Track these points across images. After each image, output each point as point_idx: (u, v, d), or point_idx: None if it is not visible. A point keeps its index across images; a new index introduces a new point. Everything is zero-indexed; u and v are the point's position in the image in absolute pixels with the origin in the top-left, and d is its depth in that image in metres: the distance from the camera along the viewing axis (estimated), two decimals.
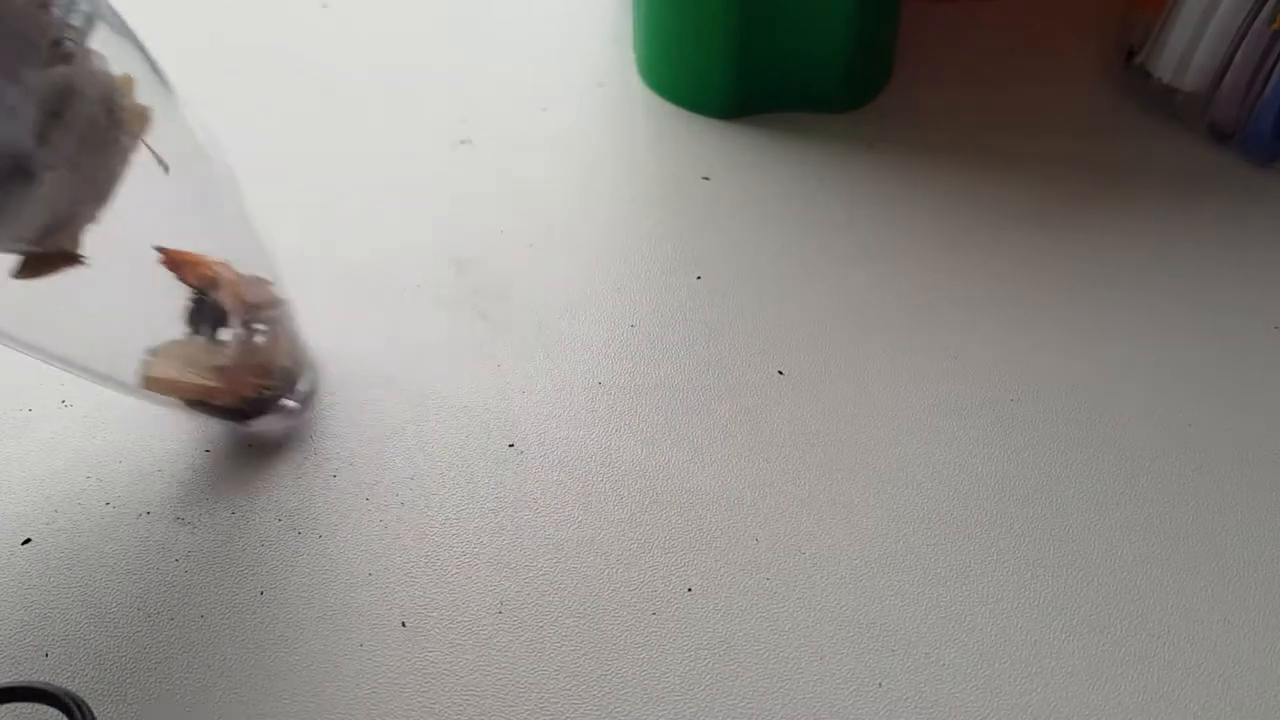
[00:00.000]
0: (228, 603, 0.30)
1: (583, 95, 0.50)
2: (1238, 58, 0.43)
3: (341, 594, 0.30)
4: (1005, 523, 0.32)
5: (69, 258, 0.27)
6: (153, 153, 0.28)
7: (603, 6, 0.56)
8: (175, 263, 0.30)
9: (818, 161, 0.46)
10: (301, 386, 0.35)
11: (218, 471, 0.33)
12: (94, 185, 0.27)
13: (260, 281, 0.32)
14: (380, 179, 0.44)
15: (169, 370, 0.31)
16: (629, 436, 0.35)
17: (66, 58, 0.25)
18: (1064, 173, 0.45)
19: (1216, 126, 0.45)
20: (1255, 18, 0.42)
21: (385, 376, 0.36)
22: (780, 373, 0.37)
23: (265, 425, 0.34)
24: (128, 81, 0.27)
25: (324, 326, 0.38)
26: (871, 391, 0.36)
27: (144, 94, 0.28)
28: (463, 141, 0.46)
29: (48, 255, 0.27)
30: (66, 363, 0.30)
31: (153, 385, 0.31)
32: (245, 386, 0.32)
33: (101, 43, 0.26)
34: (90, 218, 0.27)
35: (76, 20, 0.26)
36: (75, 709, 0.25)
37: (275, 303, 0.33)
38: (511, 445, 0.34)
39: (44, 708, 0.27)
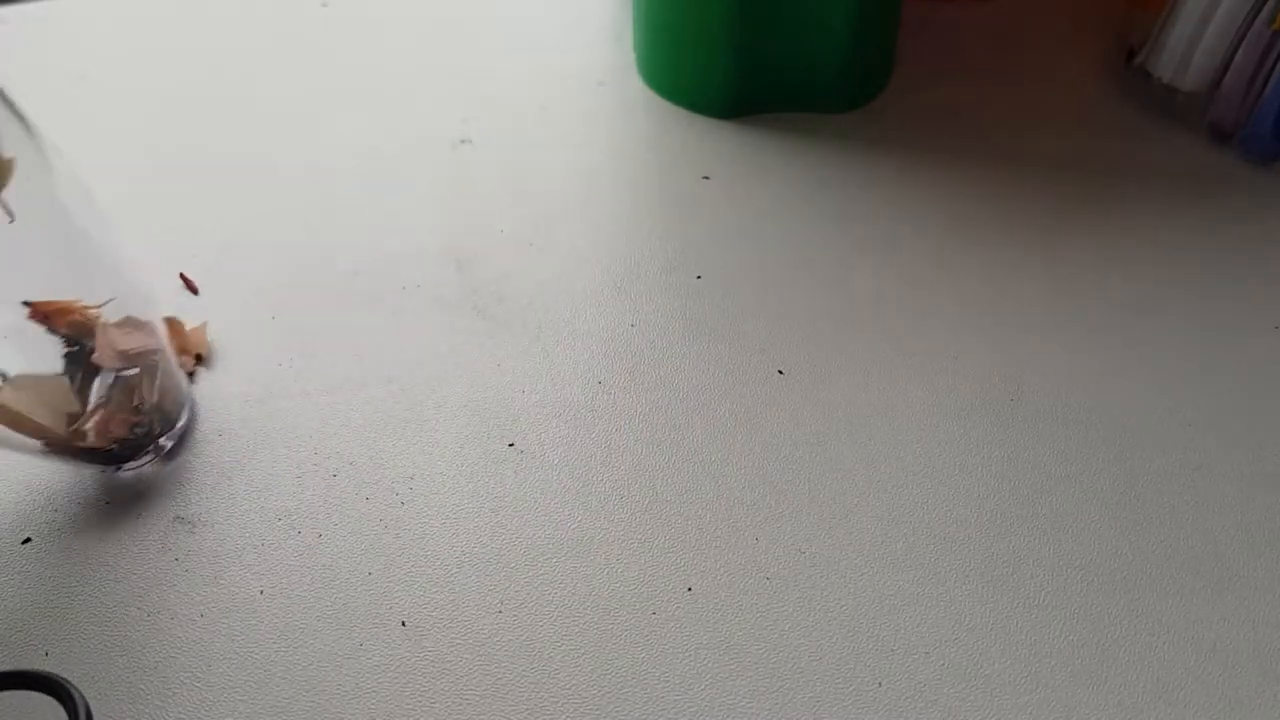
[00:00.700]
0: (227, 602, 0.30)
1: (583, 95, 0.50)
2: (1238, 58, 0.43)
3: (341, 594, 0.30)
4: (1005, 522, 0.32)
5: None
6: (2, 204, 0.27)
7: (603, 6, 0.56)
8: (43, 314, 0.30)
9: (818, 162, 0.46)
10: (177, 425, 0.34)
11: (218, 471, 0.33)
12: None
13: (135, 325, 0.32)
14: (380, 178, 0.44)
15: (18, 403, 0.30)
16: (629, 436, 0.34)
17: None
18: (1064, 172, 0.45)
19: (1216, 126, 0.45)
20: (1255, 18, 0.42)
21: (385, 376, 0.36)
22: (780, 373, 0.37)
23: (138, 467, 0.33)
24: None
25: (324, 326, 0.38)
26: (871, 391, 0.36)
27: (6, 145, 0.27)
28: (463, 141, 0.46)
29: None
30: None
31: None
32: (118, 426, 0.32)
33: None
34: None
35: None
36: (70, 696, 0.25)
37: (150, 350, 0.32)
38: (511, 445, 0.34)
39: (43, 705, 0.27)
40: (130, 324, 0.31)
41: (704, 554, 0.31)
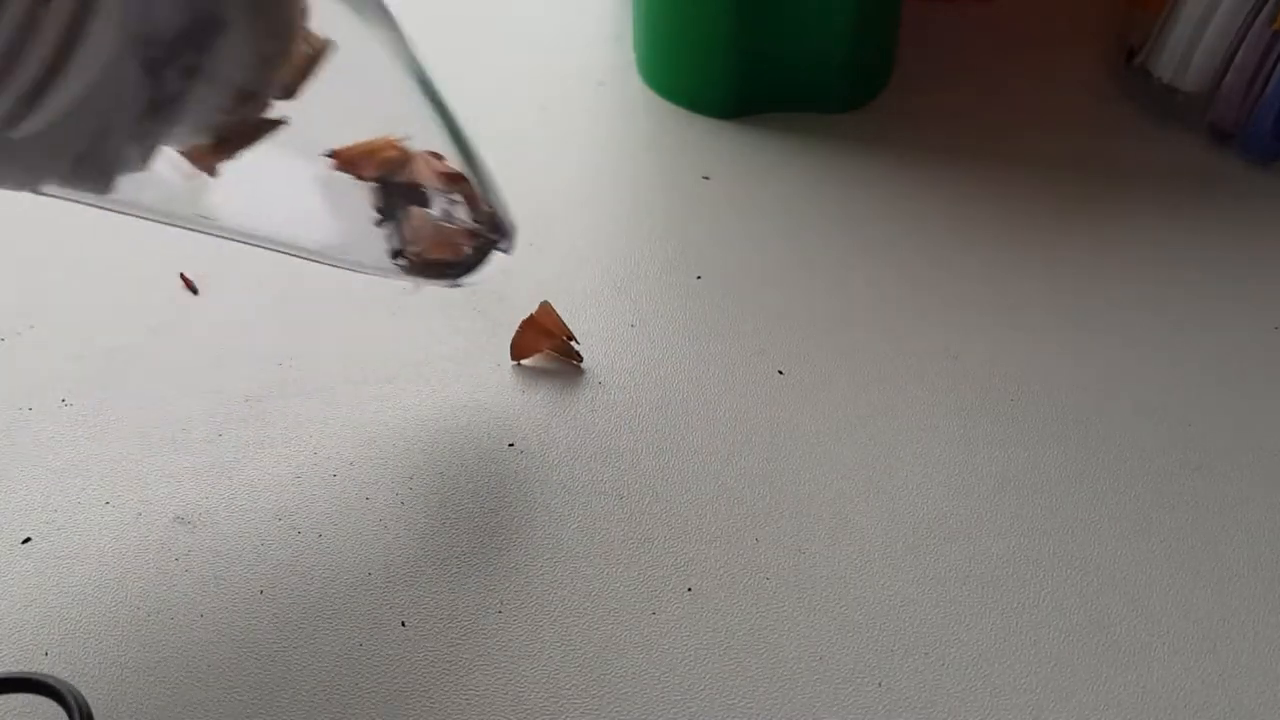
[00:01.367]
0: (227, 602, 0.30)
1: (583, 95, 0.50)
2: (1238, 58, 0.43)
3: (341, 594, 0.30)
4: (1005, 522, 0.32)
5: (268, 123, 0.27)
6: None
7: (603, 6, 0.56)
8: (349, 161, 0.30)
9: (818, 162, 0.46)
10: (507, 231, 0.34)
11: (217, 471, 0.33)
12: (276, 38, 0.25)
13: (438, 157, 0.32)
14: None
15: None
16: (629, 436, 0.34)
17: None
18: (1064, 173, 0.45)
19: (1217, 127, 0.45)
20: (1255, 18, 0.42)
21: (385, 376, 0.36)
22: (780, 373, 0.37)
23: (479, 276, 0.34)
24: None
25: (323, 326, 0.38)
26: (871, 391, 0.36)
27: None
28: None
29: (245, 126, 0.27)
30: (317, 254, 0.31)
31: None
32: (457, 249, 0.32)
33: None
34: (274, 82, 0.26)
35: None
36: (71, 701, 0.25)
37: (458, 171, 0.32)
38: (511, 445, 0.34)
39: (43, 706, 0.27)
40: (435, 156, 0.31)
41: (704, 554, 0.31)
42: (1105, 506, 0.33)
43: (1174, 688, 0.28)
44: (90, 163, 0.24)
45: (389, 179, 0.31)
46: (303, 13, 0.26)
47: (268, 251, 0.31)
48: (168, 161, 0.26)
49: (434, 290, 0.39)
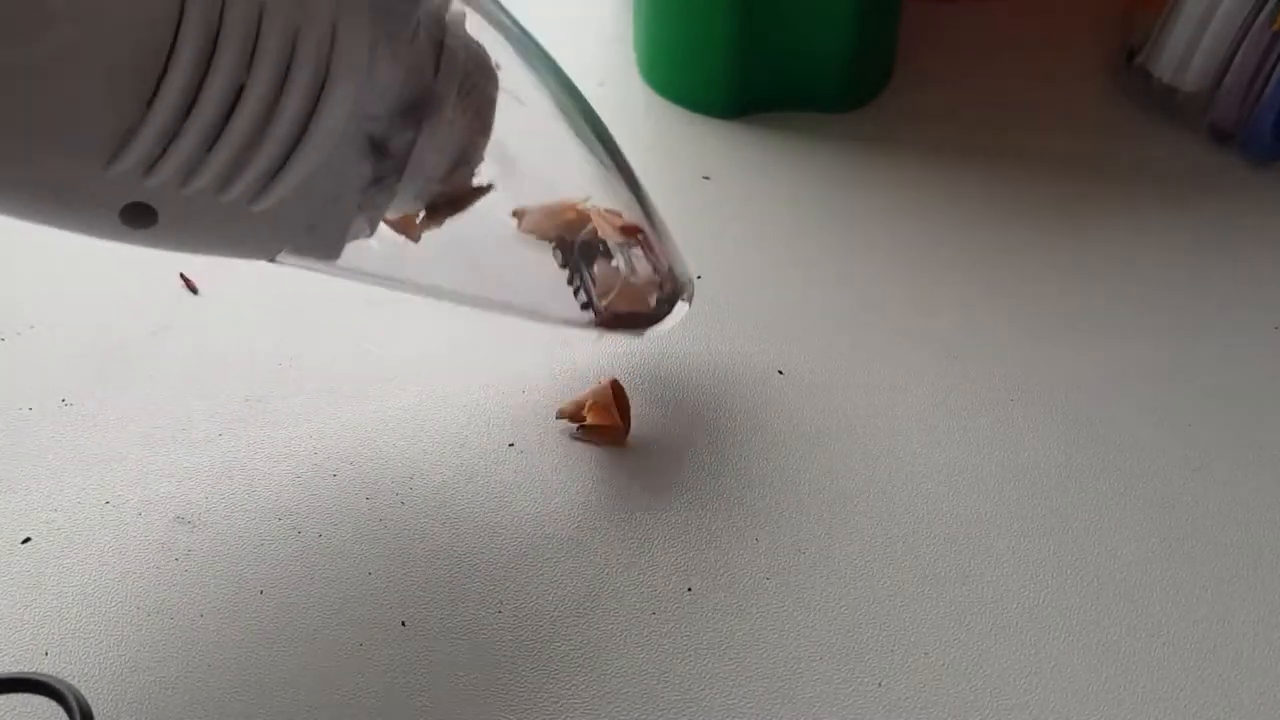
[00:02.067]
0: (227, 602, 0.30)
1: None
2: (1238, 58, 0.43)
3: (341, 594, 0.30)
4: (1005, 522, 0.32)
5: (476, 191, 0.29)
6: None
7: (603, 6, 0.56)
8: (533, 222, 0.32)
9: (818, 161, 0.46)
10: (688, 287, 0.35)
11: (217, 470, 0.33)
12: (479, 116, 0.28)
13: (613, 213, 0.33)
14: None
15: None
16: (628, 435, 0.34)
17: None
18: (1064, 172, 0.45)
19: (1217, 127, 0.45)
20: (1255, 18, 0.42)
21: (385, 376, 0.36)
22: (780, 372, 0.37)
23: (663, 328, 0.35)
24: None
25: (323, 326, 0.38)
26: (871, 391, 0.36)
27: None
28: None
29: (455, 194, 0.29)
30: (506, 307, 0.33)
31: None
32: (644, 292, 0.34)
33: None
34: (481, 153, 0.28)
35: None
36: (72, 701, 0.25)
37: (637, 225, 0.33)
38: (511, 445, 0.34)
39: (43, 706, 0.27)
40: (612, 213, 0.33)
41: (704, 554, 0.31)
42: (1105, 506, 0.33)
43: (1174, 687, 0.28)
44: (321, 232, 0.27)
45: (570, 237, 0.33)
46: (498, 84, 0.28)
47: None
48: (380, 232, 0.28)
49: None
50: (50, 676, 0.26)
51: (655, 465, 0.34)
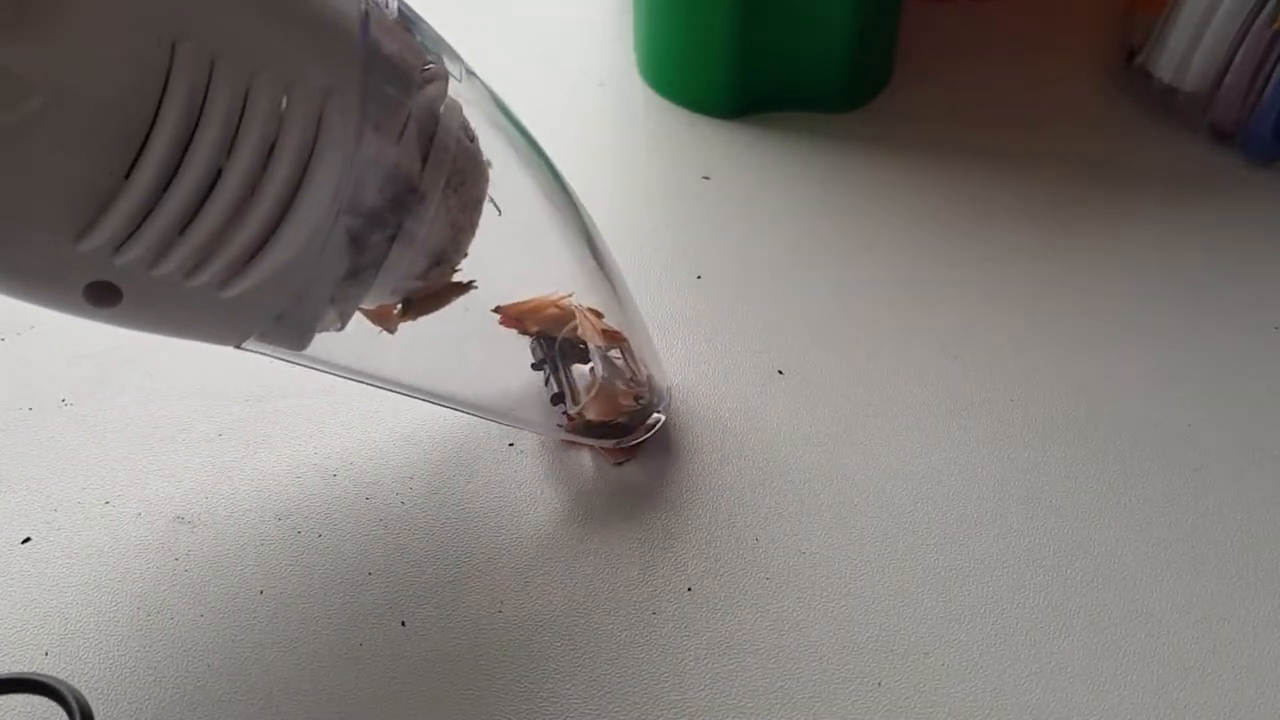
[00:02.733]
0: (227, 602, 0.30)
1: (583, 95, 0.50)
2: (1238, 58, 0.43)
3: (341, 594, 0.30)
4: (1005, 522, 0.32)
5: (456, 288, 0.28)
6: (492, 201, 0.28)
7: (603, 6, 0.56)
8: (515, 317, 0.31)
9: (818, 161, 0.46)
10: (665, 398, 0.34)
11: (217, 470, 0.33)
12: (465, 212, 0.27)
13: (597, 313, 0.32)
14: None
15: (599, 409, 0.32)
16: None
17: (427, 82, 0.25)
18: (1064, 172, 0.45)
19: (1217, 127, 0.45)
20: (1255, 18, 0.42)
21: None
22: (780, 372, 0.37)
23: (633, 439, 0.33)
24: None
25: None
26: (871, 391, 0.36)
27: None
28: None
29: (433, 290, 0.28)
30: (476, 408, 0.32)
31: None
32: (621, 400, 0.32)
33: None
34: (464, 249, 0.28)
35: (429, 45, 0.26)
36: (72, 702, 0.25)
37: (619, 329, 0.33)
38: (511, 444, 0.34)
39: (43, 706, 0.27)
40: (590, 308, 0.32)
41: (704, 554, 0.31)
42: (1105, 506, 0.33)
43: (1174, 687, 0.28)
44: (289, 322, 0.26)
45: (550, 334, 0.32)
46: (488, 182, 0.28)
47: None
48: (351, 321, 0.27)
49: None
50: (50, 677, 0.26)
51: (655, 465, 0.34)
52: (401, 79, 0.24)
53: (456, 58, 0.27)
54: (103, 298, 0.23)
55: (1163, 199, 0.44)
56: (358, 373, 0.30)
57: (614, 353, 0.33)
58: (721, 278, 0.40)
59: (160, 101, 0.21)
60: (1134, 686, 0.28)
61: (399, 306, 0.28)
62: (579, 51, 0.52)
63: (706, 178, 0.45)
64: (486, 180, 0.27)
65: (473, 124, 0.27)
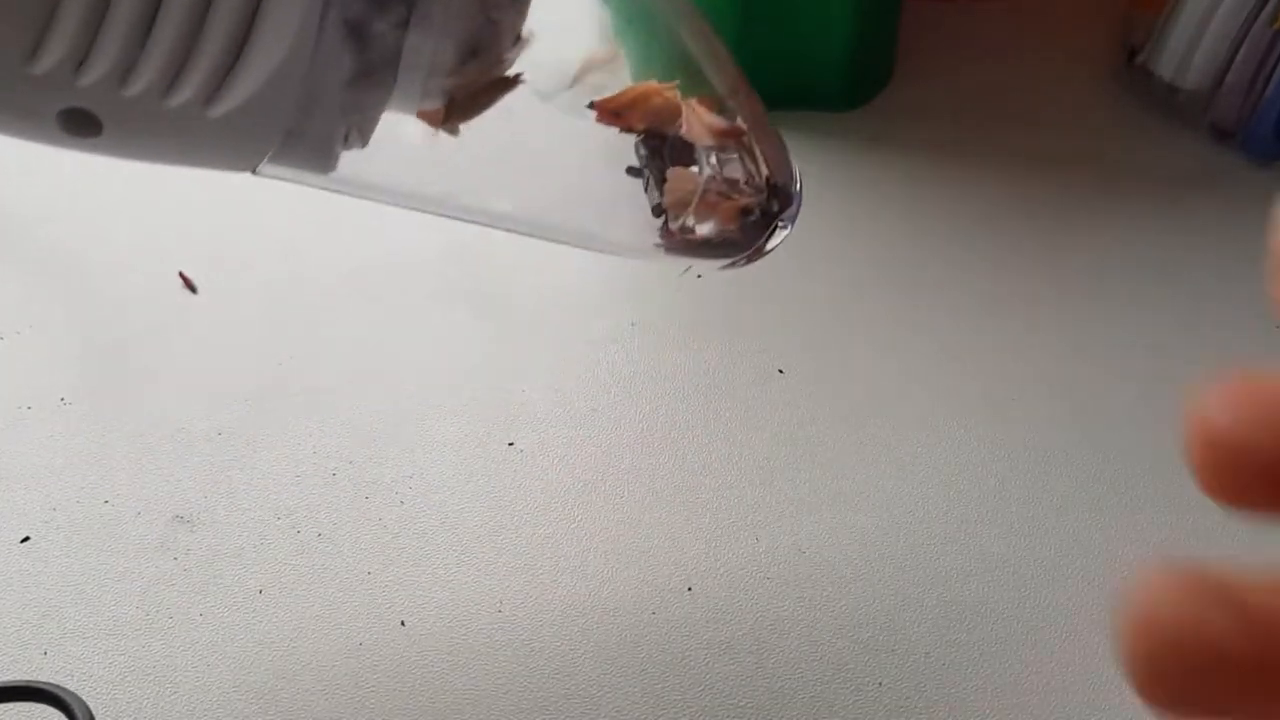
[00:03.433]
0: (227, 601, 0.30)
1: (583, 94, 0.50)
2: (1239, 57, 0.43)
3: (341, 594, 0.30)
4: (1005, 522, 0.32)
5: (501, 83, 0.24)
6: None
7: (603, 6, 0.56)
8: (613, 111, 0.26)
9: (818, 160, 0.46)
10: (795, 198, 0.29)
11: (217, 469, 0.33)
12: None
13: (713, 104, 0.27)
14: None
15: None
16: (629, 435, 0.34)
17: None
18: (1065, 171, 0.45)
19: (1217, 126, 0.45)
20: (1256, 17, 0.42)
21: (385, 375, 0.36)
22: (780, 371, 0.37)
23: (767, 251, 0.29)
24: None
25: (323, 325, 0.38)
26: (871, 390, 0.36)
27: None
28: None
29: (475, 88, 0.24)
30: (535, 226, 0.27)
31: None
32: (727, 212, 0.28)
33: None
34: (507, 34, 0.23)
35: None
36: (70, 706, 0.25)
37: (739, 127, 0.28)
38: (511, 444, 0.34)
39: (44, 707, 0.27)
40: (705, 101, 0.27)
41: (704, 554, 0.31)
42: (1106, 505, 0.33)
43: None
44: (301, 139, 0.23)
45: (658, 131, 0.27)
46: None
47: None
48: (399, 130, 0.23)
49: (434, 290, 0.39)
50: (57, 686, 0.26)
51: (655, 464, 0.34)
52: None
53: None
54: (81, 126, 0.21)
55: (1163, 198, 0.44)
56: (416, 197, 0.26)
57: (728, 152, 0.28)
58: (721, 277, 0.40)
59: None
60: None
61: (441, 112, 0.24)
62: (578, 50, 0.52)
63: None
64: None
65: None
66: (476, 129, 0.24)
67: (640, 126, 0.27)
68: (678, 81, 0.27)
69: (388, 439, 0.34)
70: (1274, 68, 0.42)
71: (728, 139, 0.27)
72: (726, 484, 0.33)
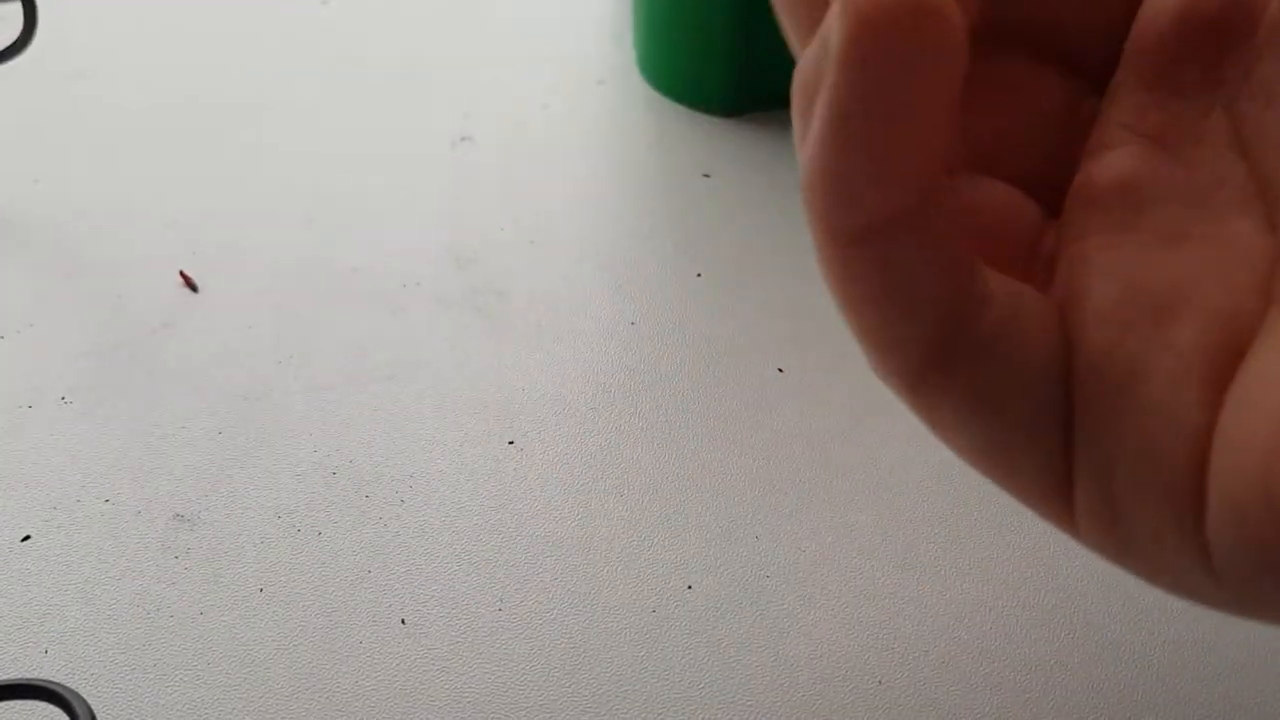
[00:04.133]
0: (227, 601, 0.30)
1: (583, 93, 0.50)
2: None
3: (341, 593, 0.30)
4: (1005, 521, 0.32)
5: None
6: None
7: (603, 4, 0.56)
8: None
9: None
10: None
11: (217, 468, 0.33)
12: None
13: None
14: (381, 176, 0.44)
15: None
16: (629, 434, 0.34)
17: None
18: None
19: None
20: None
21: (385, 374, 0.36)
22: (780, 370, 0.37)
23: None
24: None
25: (323, 324, 0.38)
26: (872, 389, 0.36)
27: None
28: (463, 139, 0.46)
29: None
30: None
31: None
32: None
33: None
34: None
35: None
36: (71, 705, 0.25)
37: None
38: (511, 443, 0.34)
39: (44, 706, 0.27)
40: None
41: (704, 553, 0.31)
42: None
43: (1172, 687, 0.28)
44: None
45: None
46: None
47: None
48: None
49: (434, 289, 0.39)
50: (58, 684, 0.26)
51: (655, 463, 0.34)
52: None
53: None
54: None
55: None
56: None
57: None
58: (721, 276, 0.40)
59: None
60: (1135, 686, 0.28)
61: None
62: (578, 49, 0.52)
63: (707, 176, 0.45)
64: None
65: None
66: None
67: None
68: None
69: (388, 439, 0.34)
70: None
71: None
72: (726, 484, 0.33)
